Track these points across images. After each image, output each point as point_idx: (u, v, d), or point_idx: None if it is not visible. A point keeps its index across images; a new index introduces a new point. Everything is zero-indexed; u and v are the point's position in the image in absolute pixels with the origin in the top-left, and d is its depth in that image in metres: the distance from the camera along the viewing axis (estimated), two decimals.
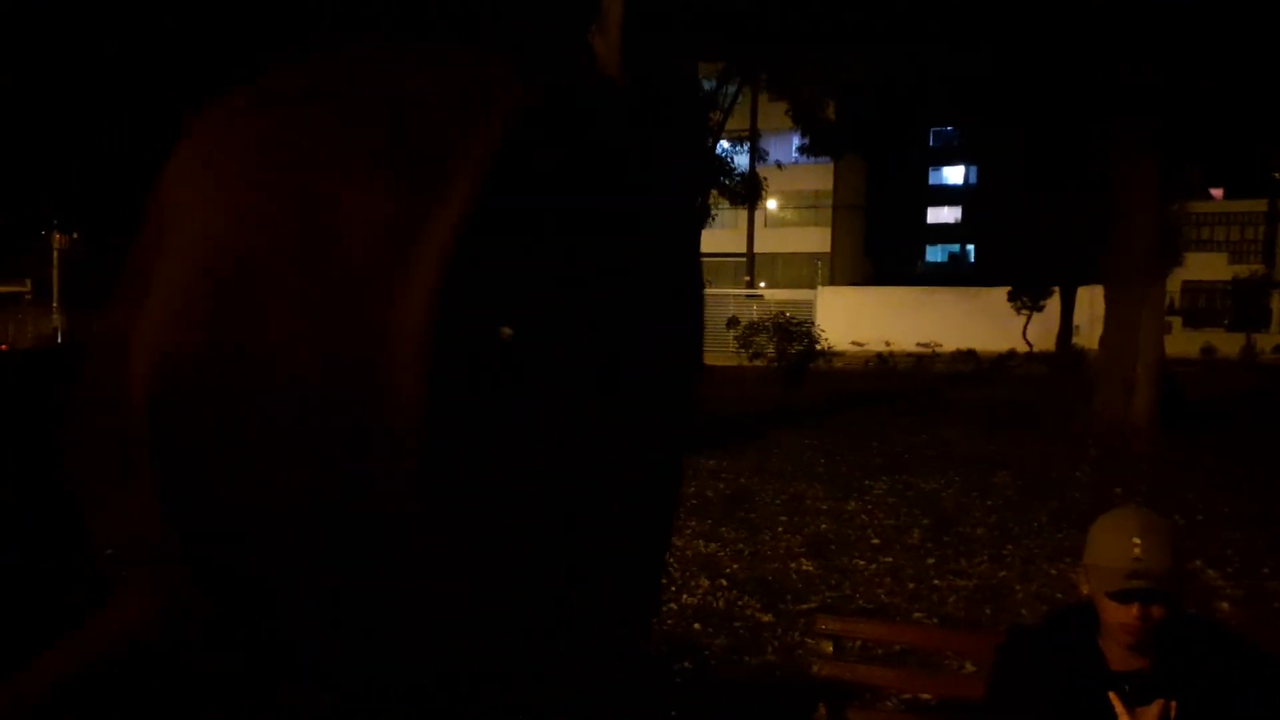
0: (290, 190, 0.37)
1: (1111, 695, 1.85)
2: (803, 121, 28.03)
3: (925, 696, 3.99)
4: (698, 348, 0.44)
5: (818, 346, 16.65)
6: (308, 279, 0.36)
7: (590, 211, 0.40)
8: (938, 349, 28.98)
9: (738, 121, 31.78)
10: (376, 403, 0.35)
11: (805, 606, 5.51)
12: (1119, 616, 1.86)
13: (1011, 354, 27.43)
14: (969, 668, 4.09)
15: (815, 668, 2.69)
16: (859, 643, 4.02)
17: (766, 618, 5.39)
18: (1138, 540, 1.85)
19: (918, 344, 29.28)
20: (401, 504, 0.36)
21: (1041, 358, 25.42)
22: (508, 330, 0.37)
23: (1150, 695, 1.82)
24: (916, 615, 5.49)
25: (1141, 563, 1.83)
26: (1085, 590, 1.95)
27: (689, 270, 0.47)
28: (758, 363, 19.85)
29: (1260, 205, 41.65)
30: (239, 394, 0.37)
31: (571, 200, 0.39)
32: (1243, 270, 37.73)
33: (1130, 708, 1.83)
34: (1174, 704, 1.81)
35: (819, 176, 44.68)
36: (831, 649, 2.72)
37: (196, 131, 0.41)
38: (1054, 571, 6.18)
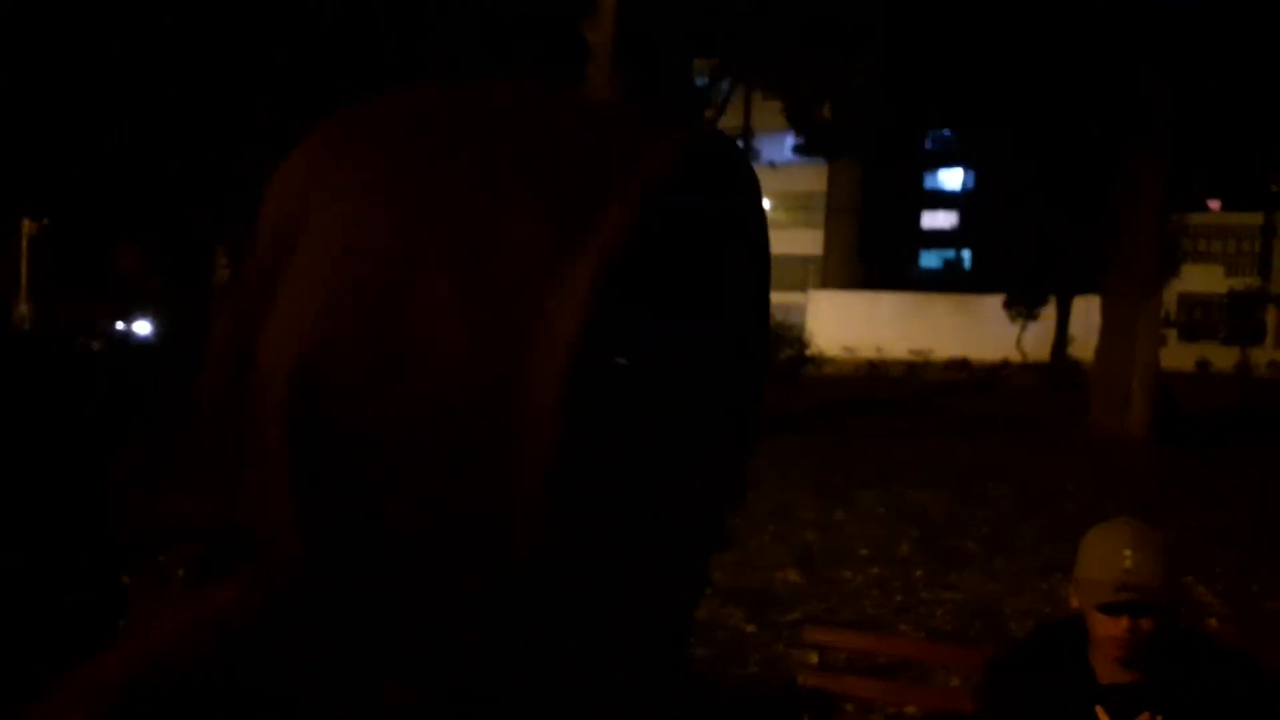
0: (441, 203, 0.33)
1: (1099, 709, 1.81)
2: (797, 121, 28.00)
3: (910, 710, 3.89)
4: (764, 379, 0.43)
5: (807, 352, 16.58)
6: (456, 289, 0.32)
7: (707, 254, 0.40)
8: (930, 356, 28.95)
9: (731, 119, 31.72)
10: (514, 419, 0.32)
11: (790, 617, 5.39)
12: (1108, 629, 1.84)
13: (1005, 363, 27.42)
14: (955, 681, 3.99)
15: (800, 679, 2.59)
16: (845, 655, 3.91)
17: (750, 628, 5.27)
18: (1128, 553, 1.85)
19: (910, 351, 29.24)
20: (527, 528, 0.32)
21: (1036, 368, 25.37)
22: (623, 360, 0.35)
23: (1138, 709, 1.84)
24: (903, 629, 5.38)
25: (1131, 575, 1.82)
26: (1075, 603, 1.95)
27: (764, 313, 0.48)
28: None
29: (1257, 218, 41.72)
30: (380, 393, 0.32)
31: (695, 242, 0.39)
32: (1239, 283, 37.79)
33: None
34: (1160, 718, 1.76)
35: (813, 178, 44.64)
36: (816, 660, 2.62)
37: (331, 134, 0.37)
38: (1045, 586, 6.07)
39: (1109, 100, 11.48)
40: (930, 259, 57.81)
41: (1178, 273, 25.80)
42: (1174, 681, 1.83)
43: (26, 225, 15.52)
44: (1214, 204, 43.99)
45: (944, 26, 14.37)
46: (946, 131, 52.17)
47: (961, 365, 26.86)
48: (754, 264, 0.52)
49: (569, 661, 0.42)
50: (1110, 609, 1.82)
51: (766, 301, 0.53)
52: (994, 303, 31.19)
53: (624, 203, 0.37)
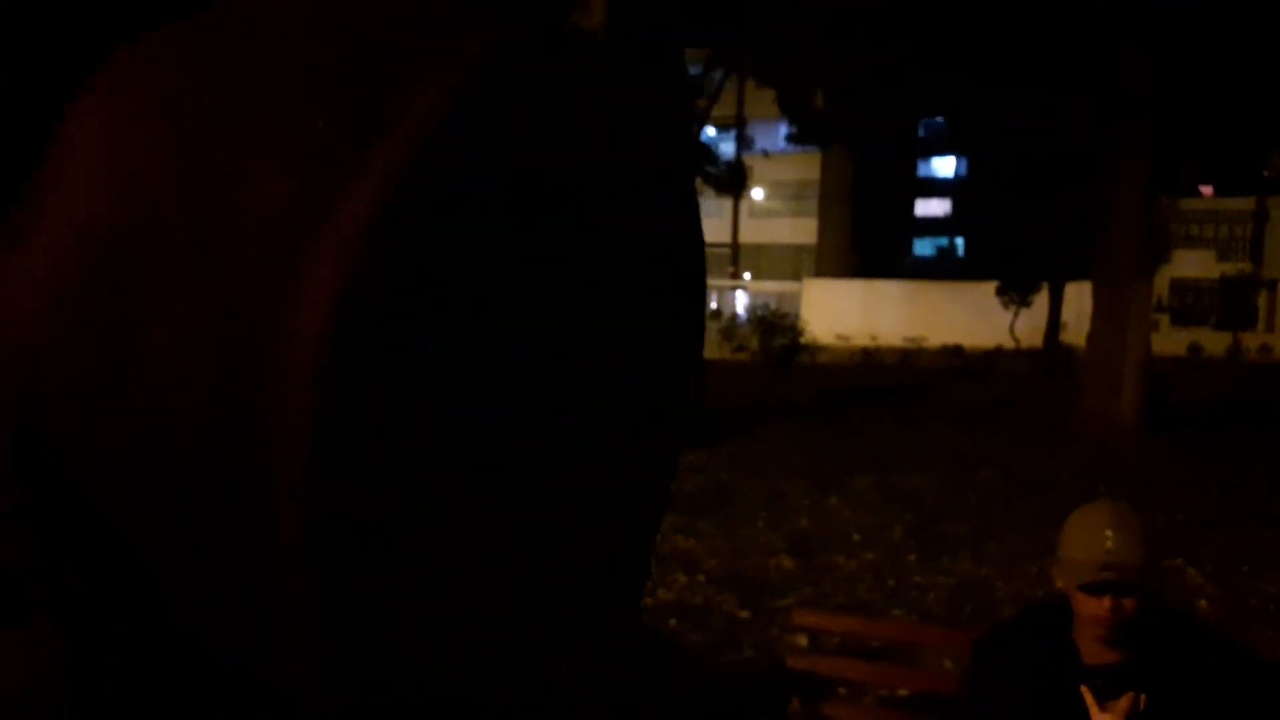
0: (193, 149, 0.28)
1: (1083, 688, 1.84)
2: (790, 110, 27.95)
3: (902, 692, 3.93)
4: (698, 340, 0.38)
5: (801, 340, 16.57)
6: (190, 271, 0.27)
7: (561, 186, 0.32)
8: (924, 344, 28.99)
9: (724, 109, 31.67)
10: (264, 424, 0.26)
11: (784, 603, 5.43)
12: (1091, 609, 1.88)
13: (999, 350, 27.47)
14: (947, 664, 4.03)
15: (790, 661, 2.63)
16: (838, 639, 3.94)
17: (744, 614, 5.31)
18: (1109, 534, 1.88)
19: (904, 338, 29.29)
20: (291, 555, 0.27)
21: (1029, 354, 25.44)
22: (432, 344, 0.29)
23: (1122, 688, 1.85)
24: (896, 613, 5.43)
25: (1113, 556, 1.85)
26: (1059, 584, 1.98)
27: (687, 256, 0.39)
28: (740, 355, 19.80)
29: (1248, 203, 41.76)
30: (110, 395, 0.28)
31: (538, 173, 0.30)
32: (1230, 268, 37.86)
33: (1101, 701, 1.83)
34: (1144, 697, 1.80)
35: (806, 166, 44.61)
36: (806, 643, 2.66)
37: (117, 65, 0.31)
38: (1035, 570, 6.12)
39: (1096, 87, 11.50)
40: (924, 247, 57.84)
41: (1168, 258, 25.91)
42: (1157, 660, 1.86)
43: None
44: (1206, 190, 44.07)
45: (935, 12, 14.35)
46: (939, 119, 52.15)
47: (955, 352, 26.90)
48: (673, 214, 0.43)
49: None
50: (1092, 589, 1.86)
51: (698, 251, 0.45)
52: (987, 290, 31.24)
53: (389, 152, 0.30)
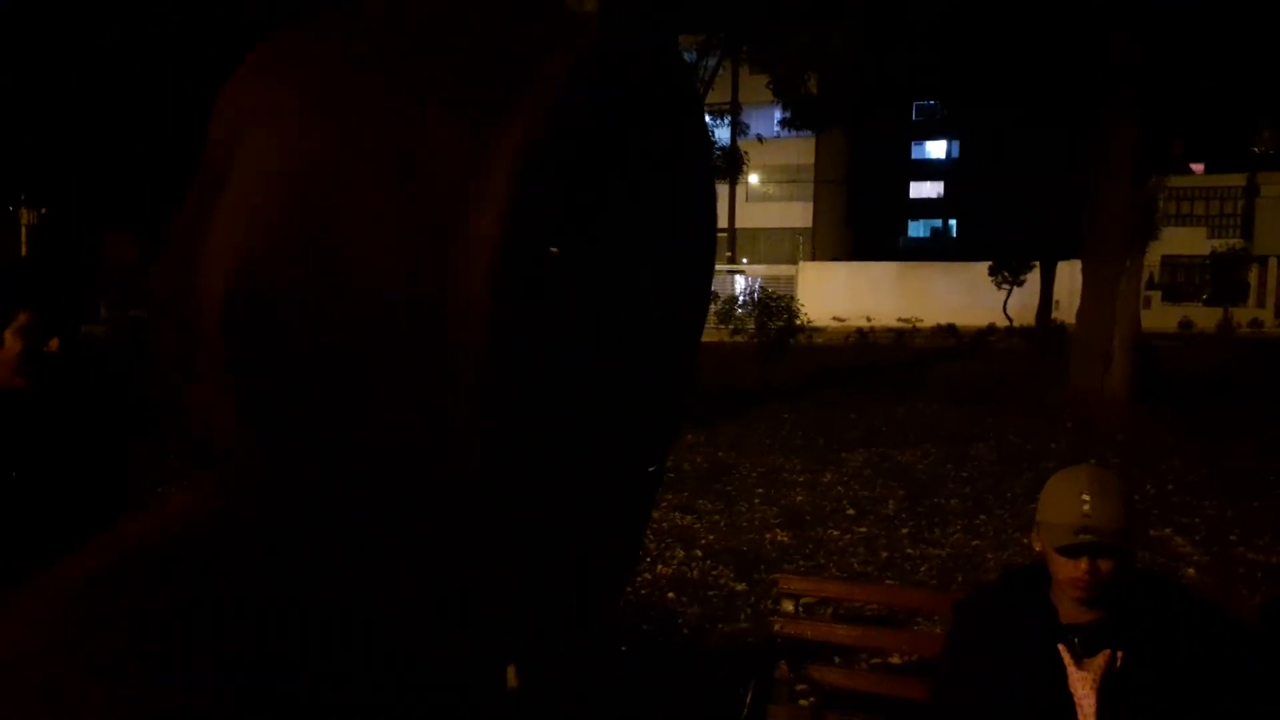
0: (364, 119, 0.39)
1: (1060, 647, 1.89)
2: (784, 95, 27.94)
3: (894, 659, 4.04)
4: (705, 311, 0.43)
5: (797, 322, 16.64)
6: (385, 199, 0.38)
7: (640, 149, 0.44)
8: (919, 324, 29.08)
9: (718, 95, 31.67)
10: (448, 313, 0.38)
11: (778, 575, 5.54)
12: (1068, 571, 1.89)
13: (992, 328, 27.60)
14: (937, 630, 4.14)
15: (777, 627, 2.72)
16: (832, 609, 4.06)
17: (740, 586, 5.43)
18: (1087, 497, 1.89)
19: (899, 319, 29.37)
20: (465, 416, 0.39)
21: (1022, 332, 25.53)
22: (555, 249, 0.40)
23: (1098, 646, 1.86)
24: (889, 583, 5.53)
25: (1090, 519, 1.87)
26: (1038, 548, 2.00)
27: (708, 226, 0.49)
28: (738, 338, 19.85)
29: (1239, 180, 41.87)
30: (317, 300, 0.39)
31: (624, 136, 0.42)
32: (1221, 245, 37.98)
33: (1078, 659, 1.87)
34: (1120, 654, 1.84)
35: (801, 150, 44.59)
36: (793, 608, 2.75)
37: (266, 56, 0.43)
38: (1026, 540, 6.22)
39: (1083, 66, 11.56)
40: (918, 229, 57.88)
41: (1158, 235, 25.92)
42: (1134, 619, 1.89)
43: (24, 215, 15.44)
44: (1197, 167, 44.11)
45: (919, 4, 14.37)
46: (932, 102, 52.09)
47: (949, 331, 26.99)
48: (695, 187, 0.53)
49: (514, 557, 0.44)
50: (1069, 551, 1.88)
51: (712, 234, 0.55)
52: (980, 269, 31.31)
53: (533, 102, 0.40)
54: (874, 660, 4.09)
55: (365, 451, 0.41)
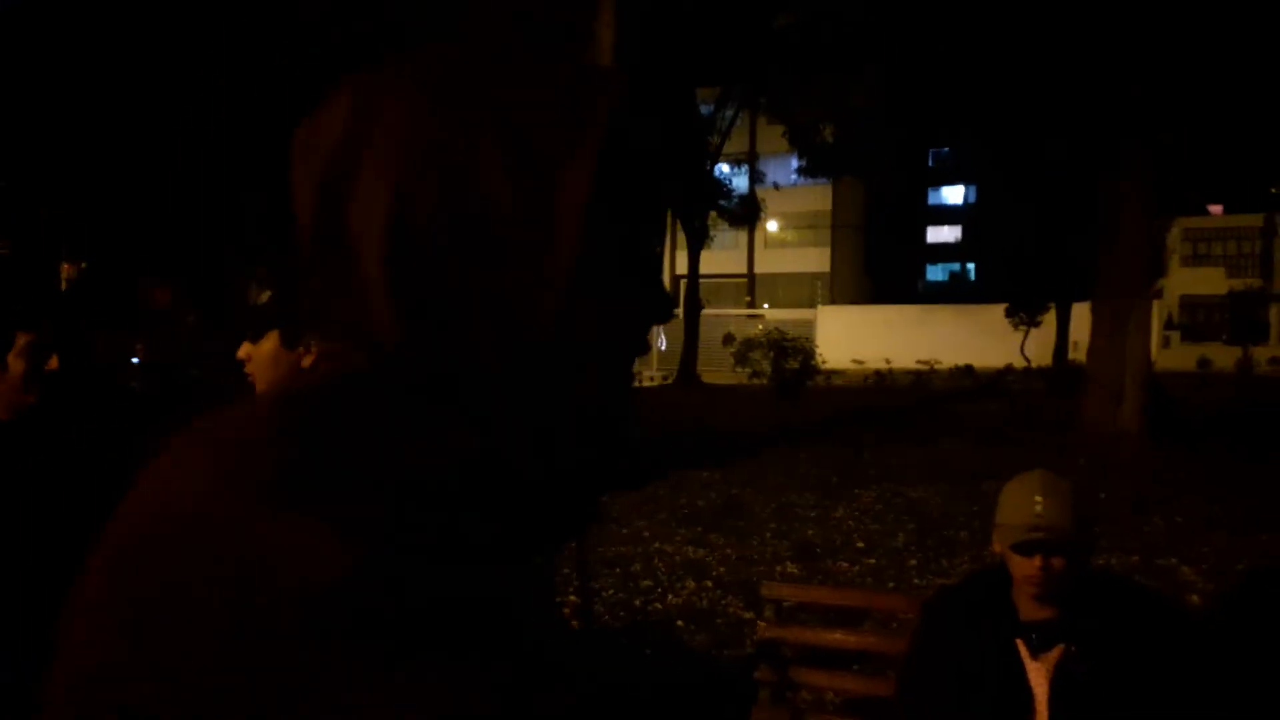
0: (484, 109, 0.58)
1: (1018, 641, 2.04)
2: (800, 144, 28.39)
3: (872, 690, 4.17)
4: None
5: (812, 362, 16.81)
6: (503, 163, 0.59)
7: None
8: (936, 366, 29.10)
9: (736, 144, 32.15)
10: (548, 244, 0.58)
11: (787, 605, 5.67)
12: (1024, 569, 2.05)
13: (1009, 369, 27.61)
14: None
15: (760, 631, 2.87)
16: (806, 609, 4.20)
17: (749, 615, 5.54)
18: (1039, 499, 2.05)
19: (917, 361, 29.41)
20: (552, 313, 0.56)
21: (1038, 373, 25.56)
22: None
23: (1054, 641, 2.01)
24: (906, 617, 5.65)
25: (1041, 518, 2.02)
26: (997, 548, 2.14)
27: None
28: (757, 381, 20.02)
29: (1257, 220, 41.83)
30: (452, 233, 0.59)
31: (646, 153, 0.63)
32: (1239, 284, 37.89)
33: (1035, 653, 2.02)
34: (1074, 648, 1.99)
35: (818, 197, 44.99)
36: (773, 614, 2.90)
37: (377, 73, 0.63)
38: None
39: (1096, 112, 11.79)
40: (936, 272, 58.02)
41: (1166, 273, 26.05)
42: (1088, 615, 2.02)
43: (65, 269, 15.92)
44: (1216, 209, 44.11)
45: (938, 46, 14.69)
46: (945, 150, 52.57)
47: (966, 373, 27.01)
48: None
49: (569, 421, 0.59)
50: (1023, 548, 2.02)
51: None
52: (997, 312, 31.44)
53: (606, 109, 0.59)
54: (854, 665, 4.22)
55: (480, 339, 0.57)
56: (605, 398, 0.62)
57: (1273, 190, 39.28)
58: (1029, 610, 2.09)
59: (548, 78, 0.59)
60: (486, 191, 0.56)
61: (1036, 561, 2.04)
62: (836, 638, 2.90)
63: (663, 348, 29.81)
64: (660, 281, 0.65)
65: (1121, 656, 2.00)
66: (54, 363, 2.12)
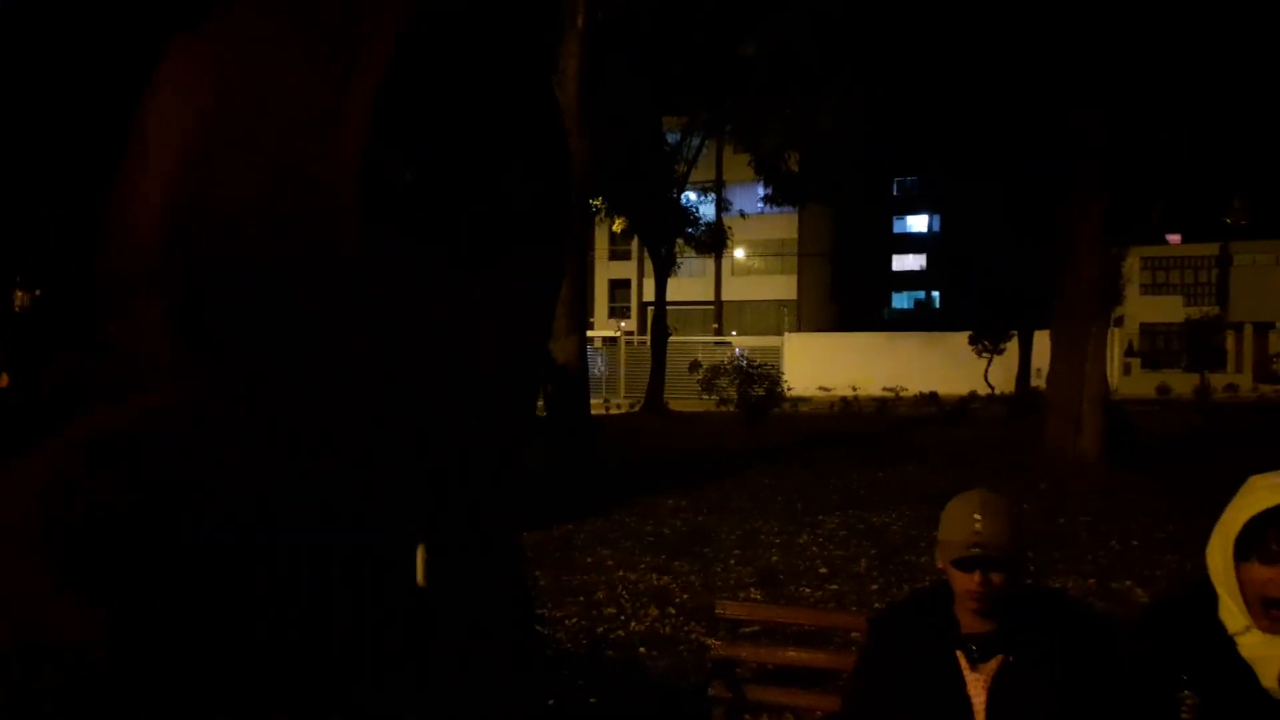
0: (247, 84, 0.61)
1: (959, 653, 2.10)
2: (766, 172, 28.67)
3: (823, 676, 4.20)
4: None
5: (778, 389, 16.92)
6: (268, 135, 0.60)
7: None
8: (902, 392, 29.40)
9: (703, 172, 32.40)
10: (336, 148, 0.59)
11: (749, 630, 5.70)
12: (964, 584, 2.12)
13: (973, 396, 27.94)
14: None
15: (714, 650, 2.91)
16: (759, 627, 4.23)
17: (711, 641, 5.57)
18: (978, 516, 2.13)
19: (883, 388, 29.72)
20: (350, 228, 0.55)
21: (1002, 399, 25.93)
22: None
23: (993, 652, 2.08)
24: (855, 635, 5.69)
25: (980, 535, 2.10)
26: (939, 564, 2.21)
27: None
28: (725, 408, 20.11)
29: (1213, 249, 42.84)
30: (227, 235, 0.60)
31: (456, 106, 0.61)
32: (1196, 312, 38.72)
33: (974, 664, 2.09)
34: (1011, 659, 2.06)
35: (784, 225, 45.42)
36: (726, 633, 2.95)
37: (181, 46, 0.63)
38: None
39: (1052, 141, 12.06)
40: (902, 300, 58.70)
41: (1121, 301, 26.56)
42: (1023, 629, 2.10)
43: (19, 296, 15.71)
44: (1174, 238, 45.08)
45: (900, 76, 14.94)
46: (910, 179, 53.35)
47: (931, 399, 27.29)
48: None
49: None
50: (963, 564, 2.09)
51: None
52: (961, 339, 31.89)
53: (374, 55, 0.59)
54: (807, 683, 4.26)
55: (274, 325, 0.57)
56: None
57: (1227, 220, 40.23)
58: (969, 623, 2.16)
59: (329, 19, 0.60)
60: (271, 147, 0.57)
61: (976, 576, 2.11)
62: (790, 655, 2.94)
63: (598, 372, 29.74)
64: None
65: (1054, 667, 2.08)
66: (3, 380, 2.12)
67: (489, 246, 0.58)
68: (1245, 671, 2.02)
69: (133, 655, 0.46)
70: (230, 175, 0.52)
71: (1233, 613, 2.03)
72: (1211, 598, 2.08)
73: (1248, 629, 2.02)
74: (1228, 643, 2.05)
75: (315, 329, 0.52)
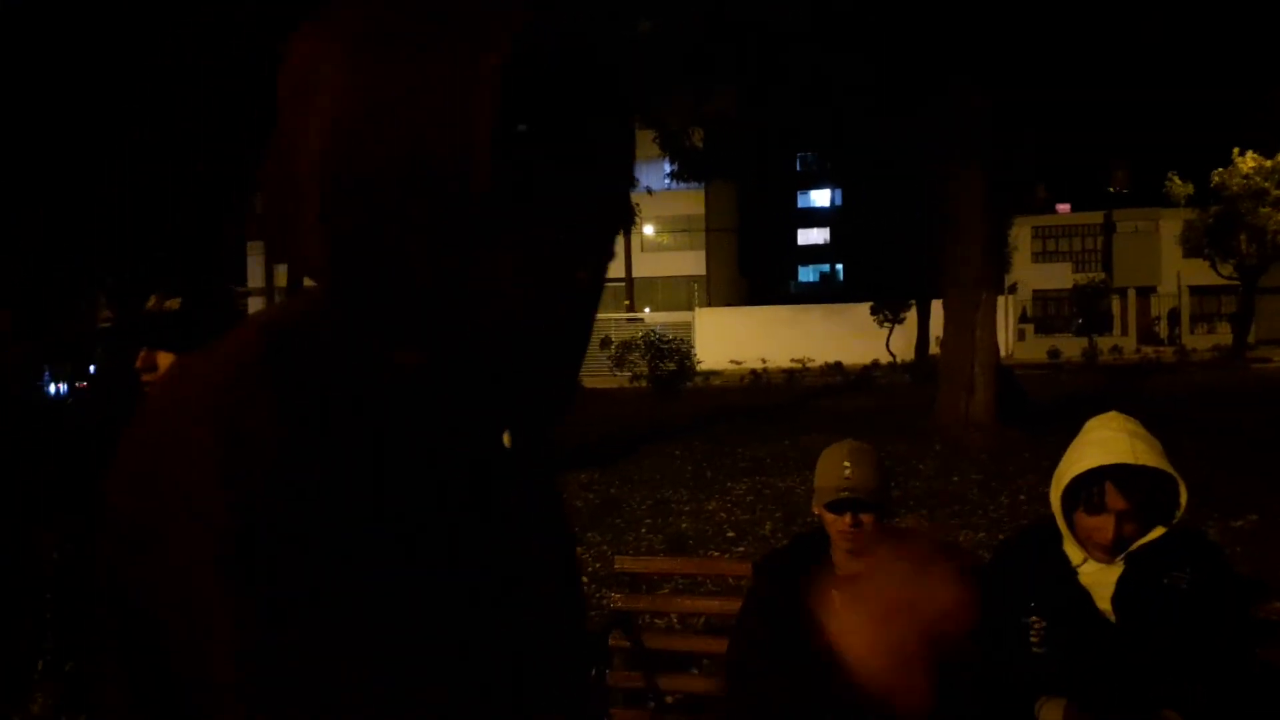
0: (401, 49, 0.64)
1: (833, 592, 2.32)
2: (671, 149, 28.86)
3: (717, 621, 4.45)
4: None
5: (689, 363, 17.19)
6: (420, 98, 0.62)
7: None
8: (809, 364, 30.09)
9: None
10: (468, 140, 0.67)
11: (661, 592, 5.92)
12: (836, 526, 2.35)
13: (876, 365, 28.81)
14: None
15: (613, 602, 3.09)
16: (657, 579, 4.44)
17: (613, 595, 5.77)
18: (847, 464, 2.35)
19: (791, 360, 30.36)
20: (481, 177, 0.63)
21: (903, 367, 26.80)
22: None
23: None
24: (744, 581, 5.97)
25: (849, 480, 2.32)
26: (815, 510, 2.43)
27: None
28: (638, 384, 20.33)
29: (1098, 218, 44.81)
30: (380, 168, 0.63)
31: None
32: (1083, 278, 40.52)
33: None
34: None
35: (692, 201, 45.81)
36: (627, 585, 3.14)
37: (319, 21, 0.67)
38: None
39: (934, 114, 12.46)
40: (807, 273, 59.89)
41: (1009, 269, 27.76)
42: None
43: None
44: (1064, 207, 46.97)
45: (789, 51, 15.20)
46: (810, 155, 54.20)
47: (836, 369, 28.03)
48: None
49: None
50: (834, 507, 2.33)
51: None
52: (864, 310, 32.81)
53: (504, 34, 0.64)
54: (693, 620, 4.53)
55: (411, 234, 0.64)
56: (540, 316, 0.68)
57: (1111, 190, 42.10)
58: (844, 565, 2.38)
59: (454, 9, 0.65)
60: (409, 122, 0.63)
61: (846, 519, 2.34)
62: (685, 604, 3.14)
63: None
64: (621, 191, 0.73)
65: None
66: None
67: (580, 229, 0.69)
68: (1085, 597, 2.30)
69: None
70: (373, 145, 0.62)
71: (1074, 546, 2.31)
72: (1058, 534, 2.35)
73: (1085, 560, 2.30)
74: (1071, 573, 2.32)
75: (444, 274, 0.64)
